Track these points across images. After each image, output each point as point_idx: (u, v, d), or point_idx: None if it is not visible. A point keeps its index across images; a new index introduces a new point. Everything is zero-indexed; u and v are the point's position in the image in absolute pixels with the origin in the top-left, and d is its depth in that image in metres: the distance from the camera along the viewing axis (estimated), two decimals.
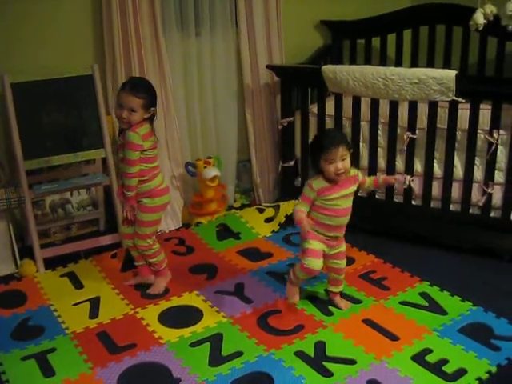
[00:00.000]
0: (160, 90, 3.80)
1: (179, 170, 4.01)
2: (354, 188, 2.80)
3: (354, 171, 2.81)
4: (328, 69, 3.56)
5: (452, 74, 3.23)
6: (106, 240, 3.62)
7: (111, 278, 3.32)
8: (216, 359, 2.59)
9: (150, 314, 2.95)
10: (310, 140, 3.81)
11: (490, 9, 3.42)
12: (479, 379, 2.44)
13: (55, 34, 3.54)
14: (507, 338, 2.71)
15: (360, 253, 3.49)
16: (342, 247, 2.93)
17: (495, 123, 3.27)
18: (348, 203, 2.80)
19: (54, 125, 3.45)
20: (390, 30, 4.41)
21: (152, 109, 2.94)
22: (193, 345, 2.69)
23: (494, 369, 2.50)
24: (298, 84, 3.87)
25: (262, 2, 4.06)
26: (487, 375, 2.46)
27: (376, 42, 4.48)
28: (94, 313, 2.98)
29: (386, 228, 3.42)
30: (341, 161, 2.67)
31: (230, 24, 4.09)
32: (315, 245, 2.78)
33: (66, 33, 3.57)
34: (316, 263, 2.76)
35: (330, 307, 2.97)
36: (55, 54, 3.55)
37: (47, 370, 2.55)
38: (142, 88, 2.89)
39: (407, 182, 3.55)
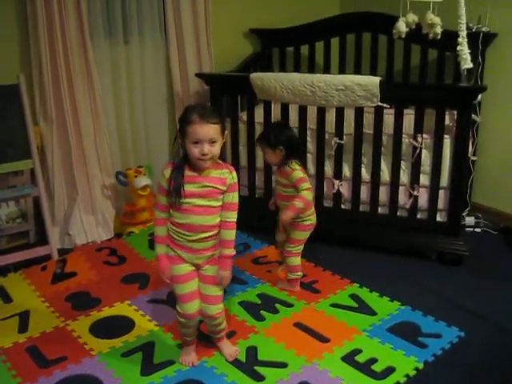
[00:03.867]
0: (89, 99, 3.79)
1: (110, 179, 3.98)
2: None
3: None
4: (256, 76, 3.60)
5: (376, 80, 3.31)
6: (37, 252, 3.55)
7: (41, 290, 3.25)
8: (148, 368, 2.57)
9: (80, 326, 2.90)
10: (240, 147, 3.87)
11: (412, 17, 3.51)
12: (407, 376, 2.50)
13: None
14: (434, 335, 2.79)
15: None
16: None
17: (419, 128, 3.38)
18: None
19: None
20: (318, 38, 4.51)
21: None
22: (124, 355, 2.67)
23: (421, 365, 2.57)
24: (228, 92, 3.88)
25: (191, 10, 4.09)
26: (415, 372, 2.53)
27: (305, 49, 4.57)
28: (23, 327, 2.92)
29: (316, 232, 3.47)
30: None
31: (159, 32, 4.11)
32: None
33: None
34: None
35: (261, 312, 2.99)
36: None
37: None
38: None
39: (336, 187, 3.63)
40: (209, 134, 2.28)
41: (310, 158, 3.72)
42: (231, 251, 2.46)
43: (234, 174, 2.44)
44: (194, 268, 2.48)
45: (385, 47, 4.31)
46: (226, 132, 2.40)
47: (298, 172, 3.02)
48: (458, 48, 3.29)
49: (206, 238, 2.41)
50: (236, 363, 2.60)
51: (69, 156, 3.78)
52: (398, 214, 3.58)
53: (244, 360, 2.62)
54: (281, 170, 3.08)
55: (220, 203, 2.41)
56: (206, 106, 2.51)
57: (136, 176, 3.91)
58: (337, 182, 3.64)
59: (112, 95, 3.99)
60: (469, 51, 3.30)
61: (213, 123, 2.29)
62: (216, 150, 2.32)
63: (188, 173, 2.36)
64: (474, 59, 3.40)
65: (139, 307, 3.06)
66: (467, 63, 3.30)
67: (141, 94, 4.11)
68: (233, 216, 2.44)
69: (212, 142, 2.29)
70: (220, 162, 2.41)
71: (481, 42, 3.76)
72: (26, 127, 3.46)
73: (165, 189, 2.38)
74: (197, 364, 2.61)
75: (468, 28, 3.39)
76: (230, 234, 2.45)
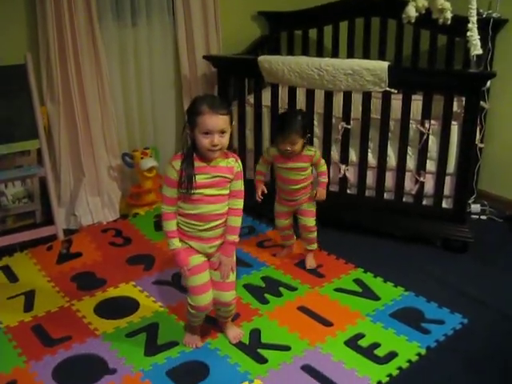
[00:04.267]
0: (96, 81, 3.78)
1: (116, 161, 3.98)
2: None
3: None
4: (264, 59, 3.58)
5: (384, 65, 3.29)
6: (43, 232, 3.56)
7: (47, 270, 3.27)
8: (152, 349, 2.59)
9: (85, 306, 2.92)
10: (246, 131, 3.87)
11: (422, 2, 3.48)
12: (409, 361, 2.51)
13: None
14: (437, 321, 2.80)
15: (295, 241, 3.52)
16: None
17: (426, 113, 3.36)
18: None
19: None
20: (327, 22, 4.47)
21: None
22: (129, 335, 2.69)
23: (423, 351, 2.58)
24: (235, 74, 3.87)
25: None
26: (417, 357, 2.54)
27: (313, 33, 4.54)
28: (28, 306, 2.94)
29: (322, 216, 3.47)
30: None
31: (167, 14, 4.08)
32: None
33: None
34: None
35: (265, 295, 3.00)
36: None
37: None
38: None
39: (342, 172, 3.62)
40: (219, 125, 2.29)
41: (317, 143, 3.71)
42: (235, 238, 2.47)
43: (240, 162, 2.47)
44: (205, 259, 2.49)
45: (394, 32, 4.27)
46: (234, 123, 2.40)
47: (317, 151, 3.16)
48: (468, 34, 3.27)
49: (216, 226, 2.43)
50: (240, 345, 2.62)
51: (75, 137, 3.78)
52: (404, 199, 3.57)
53: (247, 342, 2.64)
54: (300, 155, 3.09)
55: (228, 191, 2.44)
56: (215, 97, 2.55)
57: (142, 158, 3.90)
58: (343, 167, 3.63)
59: (119, 77, 3.98)
60: (479, 37, 3.27)
61: (222, 114, 2.30)
62: (225, 140, 2.34)
63: (197, 163, 2.37)
64: (483, 45, 3.38)
65: (144, 288, 3.08)
66: (477, 49, 3.28)
67: (148, 76, 4.10)
68: (240, 203, 2.47)
69: (222, 132, 2.31)
70: (225, 151, 2.41)
71: (491, 27, 3.72)
72: (33, 107, 3.45)
73: (175, 181, 2.38)
74: (200, 346, 2.62)
75: (478, 14, 3.37)
76: (237, 221, 2.47)
